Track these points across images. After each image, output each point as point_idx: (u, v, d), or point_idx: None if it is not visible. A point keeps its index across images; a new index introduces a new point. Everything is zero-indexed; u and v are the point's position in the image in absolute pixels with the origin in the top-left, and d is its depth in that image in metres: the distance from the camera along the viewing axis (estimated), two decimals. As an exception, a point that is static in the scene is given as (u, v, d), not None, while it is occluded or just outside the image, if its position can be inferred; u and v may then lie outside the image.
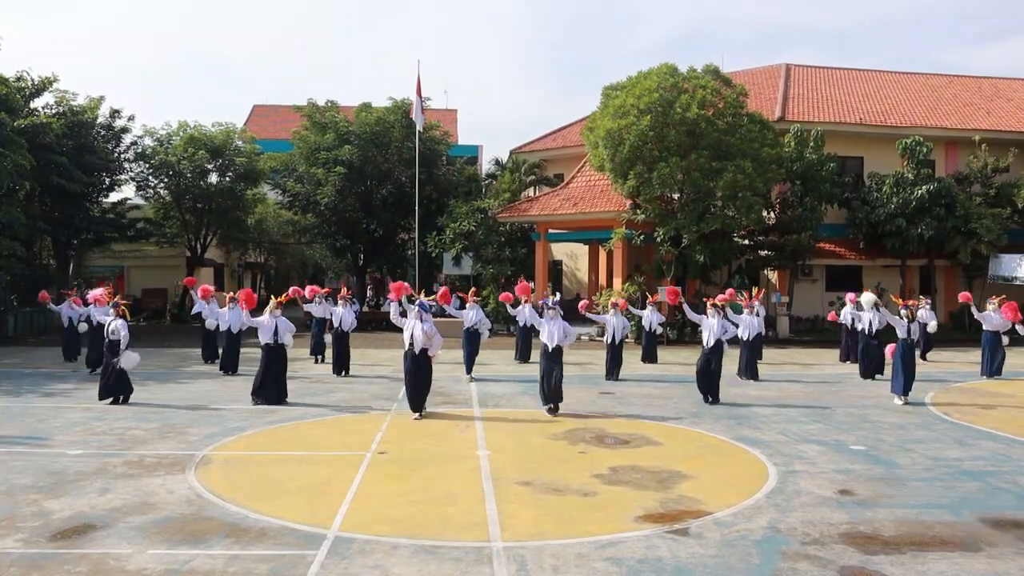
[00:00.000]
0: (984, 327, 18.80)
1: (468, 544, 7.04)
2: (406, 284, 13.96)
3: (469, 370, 17.96)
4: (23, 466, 9.63)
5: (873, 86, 36.27)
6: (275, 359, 14.38)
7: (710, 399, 14.78)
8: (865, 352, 18.27)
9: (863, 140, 31.69)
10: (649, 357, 20.89)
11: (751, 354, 18.11)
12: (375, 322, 31.84)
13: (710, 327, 15.17)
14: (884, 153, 30.36)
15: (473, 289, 19.64)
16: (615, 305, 18.52)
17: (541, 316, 14.44)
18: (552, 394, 13.25)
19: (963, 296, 20.29)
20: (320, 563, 6.57)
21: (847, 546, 7.04)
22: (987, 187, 30.01)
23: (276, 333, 14.38)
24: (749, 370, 17.93)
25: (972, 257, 28.66)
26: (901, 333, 14.80)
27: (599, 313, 19.45)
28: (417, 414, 12.88)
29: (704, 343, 15.13)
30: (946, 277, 31.57)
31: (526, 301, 17.94)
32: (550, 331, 13.45)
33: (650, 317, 20.75)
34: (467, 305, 18.52)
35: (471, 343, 18.14)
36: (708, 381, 14.89)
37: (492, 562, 6.62)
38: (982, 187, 30.06)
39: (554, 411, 13.23)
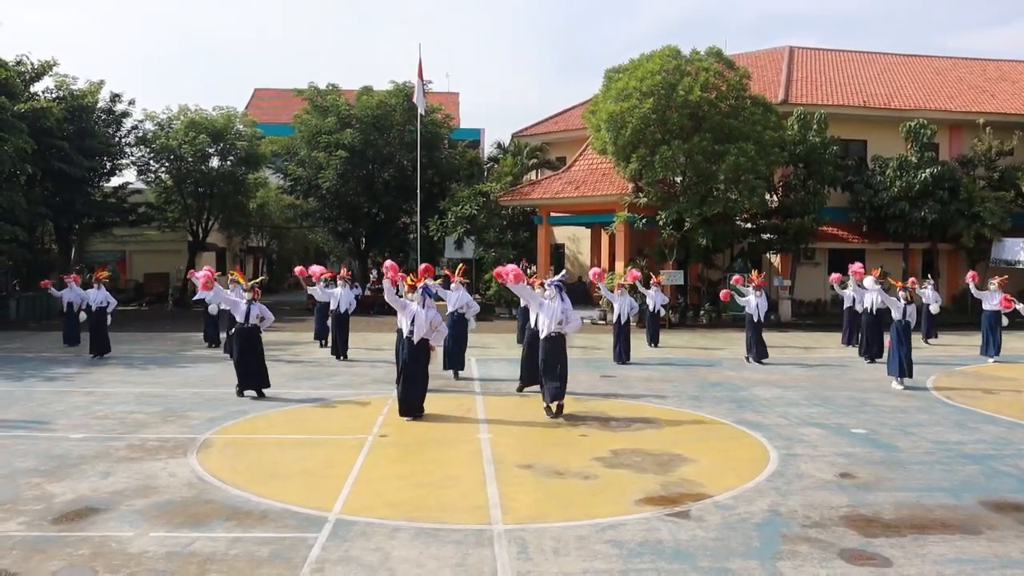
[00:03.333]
0: (984, 306, 18.86)
1: (469, 527, 7.05)
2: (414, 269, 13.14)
3: (451, 365, 15.29)
4: (25, 450, 9.66)
5: (877, 69, 36.03)
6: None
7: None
8: (867, 334, 18.29)
9: (866, 123, 31.51)
10: (652, 340, 20.90)
11: (756, 335, 18.04)
12: (377, 305, 31.83)
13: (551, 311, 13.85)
14: (888, 136, 30.20)
15: (462, 267, 17.27)
16: (622, 286, 18.51)
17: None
18: (555, 392, 11.63)
19: (971, 276, 20.10)
20: (321, 546, 6.58)
21: (848, 529, 7.04)
22: (991, 170, 29.88)
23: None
24: (758, 351, 17.89)
25: (975, 241, 28.57)
26: (896, 315, 14.75)
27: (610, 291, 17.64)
28: (410, 417, 11.48)
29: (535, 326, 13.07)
30: (949, 261, 31.47)
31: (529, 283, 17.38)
32: (550, 311, 11.79)
33: (654, 299, 20.74)
34: (452, 285, 15.69)
35: (456, 331, 15.20)
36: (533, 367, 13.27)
37: (493, 545, 6.63)
38: (986, 170, 29.93)
39: (558, 412, 11.61)
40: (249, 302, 13.40)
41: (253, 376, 13.32)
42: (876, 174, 29.19)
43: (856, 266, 19.38)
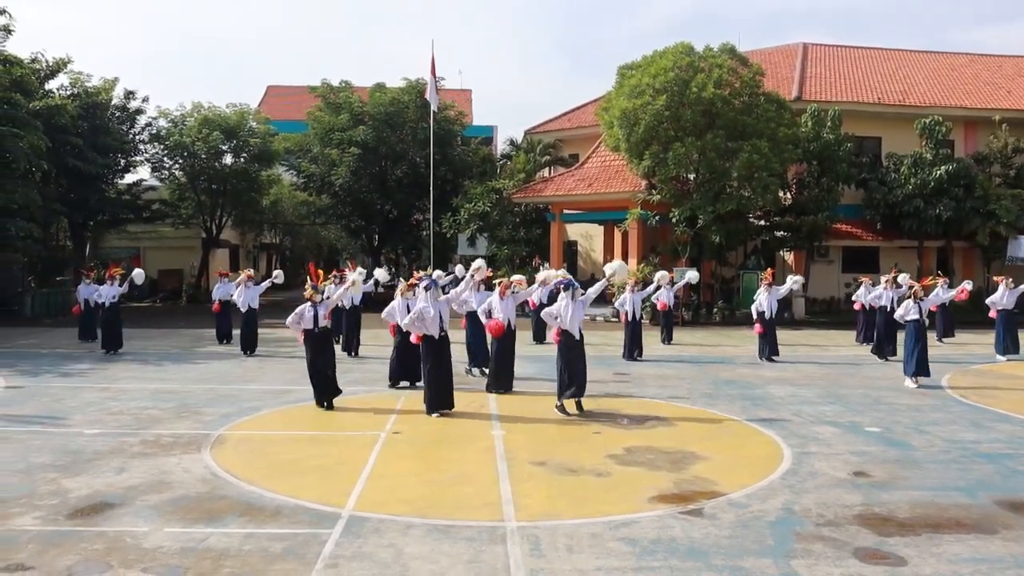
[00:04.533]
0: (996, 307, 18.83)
1: (482, 524, 7.05)
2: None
3: (480, 364, 15.17)
4: (41, 445, 9.73)
5: (892, 65, 35.80)
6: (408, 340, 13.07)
7: (503, 390, 13.64)
8: (882, 332, 18.20)
9: (881, 120, 31.31)
10: (665, 337, 20.85)
11: (773, 334, 17.95)
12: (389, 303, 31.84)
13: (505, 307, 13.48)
14: (902, 133, 29.99)
15: (488, 272, 17.06)
16: (635, 284, 18.50)
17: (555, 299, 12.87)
18: (576, 388, 11.74)
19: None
20: (335, 542, 6.60)
21: (862, 528, 7.00)
22: (1007, 168, 29.66)
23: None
24: (772, 350, 17.81)
25: (990, 239, 28.37)
26: (909, 315, 14.62)
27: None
28: (436, 414, 11.58)
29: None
30: (964, 259, 31.24)
31: (543, 283, 17.33)
32: (573, 317, 11.80)
33: (665, 296, 20.68)
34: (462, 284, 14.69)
35: (476, 332, 15.10)
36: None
37: (506, 542, 6.63)
38: (1002, 168, 29.71)
39: (579, 409, 11.82)
40: (314, 305, 12.12)
41: (330, 384, 12.18)
42: (890, 171, 29.02)
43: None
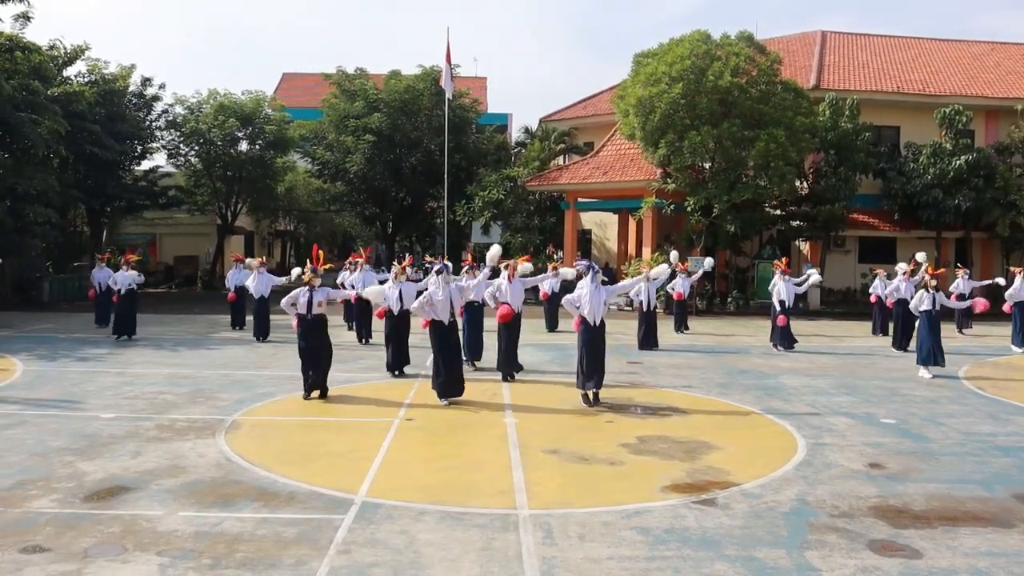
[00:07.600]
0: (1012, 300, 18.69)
1: (494, 511, 7.05)
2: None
3: (473, 357, 14.70)
4: (57, 429, 9.80)
5: (911, 54, 35.40)
6: (402, 326, 13.58)
7: (513, 375, 13.65)
8: (899, 324, 18.08)
9: (900, 109, 31.00)
10: (679, 326, 20.79)
11: (788, 325, 17.83)
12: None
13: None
14: (921, 122, 29.68)
15: (468, 258, 16.83)
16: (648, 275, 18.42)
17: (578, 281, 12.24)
18: (594, 375, 11.52)
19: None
20: (347, 527, 6.62)
21: (876, 519, 6.96)
22: (1029, 158, 29.30)
23: (402, 300, 13.16)
24: (786, 339, 17.71)
25: (1011, 230, 28.06)
26: (921, 305, 14.50)
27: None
28: (446, 401, 11.52)
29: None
30: (983, 250, 30.96)
31: (554, 268, 17.65)
32: (594, 303, 11.49)
33: (681, 286, 20.60)
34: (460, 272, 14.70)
35: (473, 323, 14.72)
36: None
37: (518, 530, 6.62)
38: (1023, 158, 29.35)
39: (595, 400, 11.55)
40: (311, 290, 11.75)
41: (318, 375, 11.82)
42: (909, 161, 28.74)
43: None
